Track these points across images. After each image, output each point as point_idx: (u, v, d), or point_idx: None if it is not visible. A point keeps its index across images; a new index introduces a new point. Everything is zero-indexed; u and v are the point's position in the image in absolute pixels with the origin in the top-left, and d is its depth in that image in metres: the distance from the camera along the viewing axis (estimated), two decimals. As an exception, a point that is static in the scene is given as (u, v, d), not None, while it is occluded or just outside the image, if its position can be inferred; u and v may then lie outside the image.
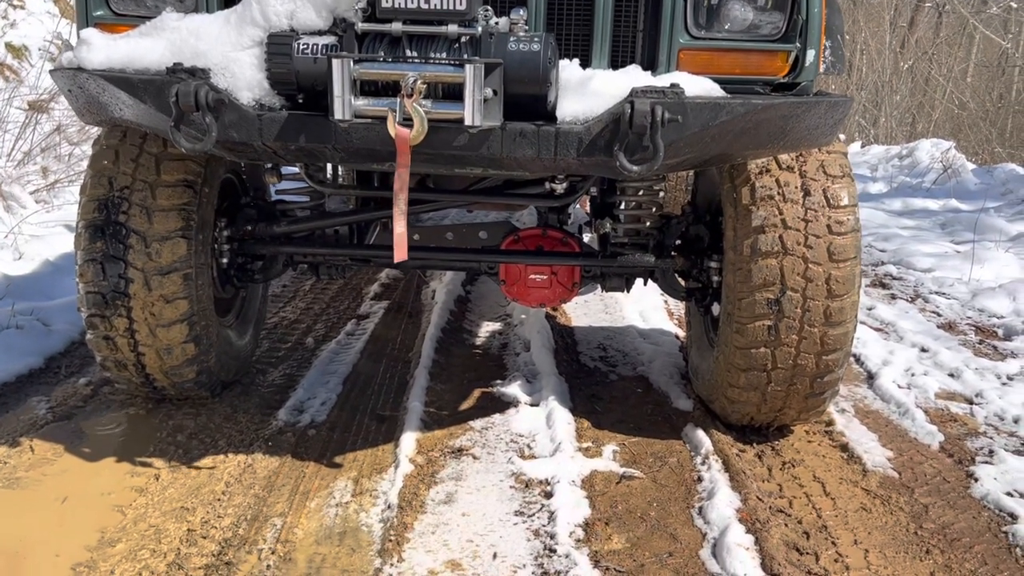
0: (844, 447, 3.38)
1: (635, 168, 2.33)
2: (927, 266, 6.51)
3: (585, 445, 3.31)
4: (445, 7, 2.30)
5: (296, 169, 3.38)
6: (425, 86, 2.28)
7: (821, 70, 2.75)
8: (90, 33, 2.59)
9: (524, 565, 2.55)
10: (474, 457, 3.20)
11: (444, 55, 2.33)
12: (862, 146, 15.60)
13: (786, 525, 2.80)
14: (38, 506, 2.78)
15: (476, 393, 3.79)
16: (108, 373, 3.38)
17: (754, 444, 3.35)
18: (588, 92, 2.40)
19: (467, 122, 2.28)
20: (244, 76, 2.41)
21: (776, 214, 2.97)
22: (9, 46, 9.10)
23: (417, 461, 3.11)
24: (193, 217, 3.17)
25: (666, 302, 5.24)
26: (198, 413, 3.46)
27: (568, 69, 2.46)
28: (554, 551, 2.60)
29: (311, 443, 3.26)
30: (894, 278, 6.33)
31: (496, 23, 2.35)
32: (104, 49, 2.53)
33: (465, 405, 3.67)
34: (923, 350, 4.59)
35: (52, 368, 3.96)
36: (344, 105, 2.29)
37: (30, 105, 7.74)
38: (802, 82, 2.72)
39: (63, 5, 10.45)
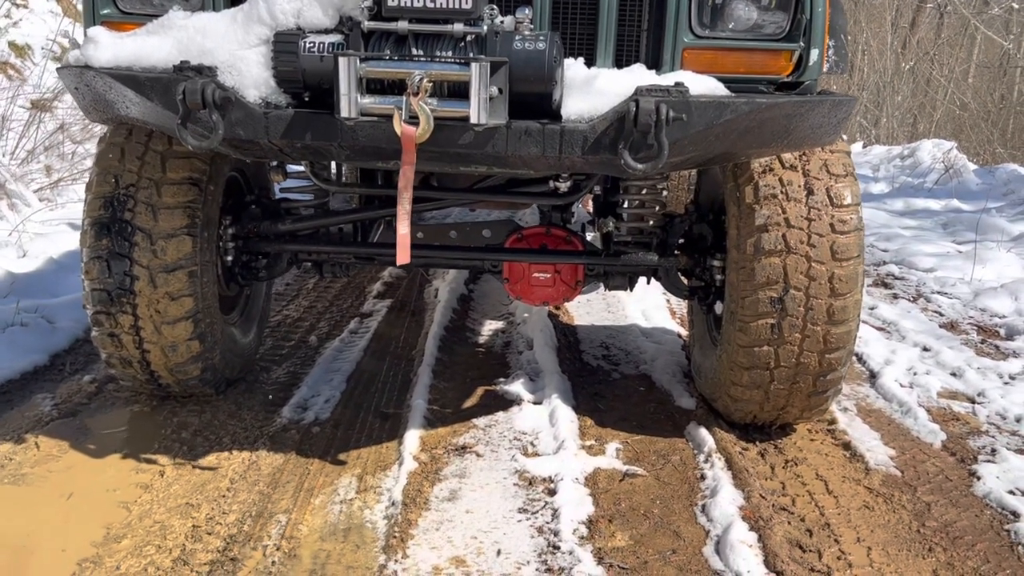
0: (847, 445, 3.38)
1: (640, 166, 2.34)
2: (929, 266, 6.51)
3: (588, 443, 3.32)
4: (451, 6, 2.31)
5: (300, 167, 3.39)
6: (431, 84, 2.29)
7: (824, 69, 2.75)
8: (97, 31, 2.60)
9: (528, 562, 2.56)
10: (478, 455, 3.21)
11: (450, 53, 2.34)
12: (864, 146, 15.61)
13: (789, 523, 2.81)
14: (44, 502, 2.79)
15: (479, 391, 3.80)
16: (113, 370, 3.38)
17: (757, 442, 3.36)
18: (593, 91, 2.41)
19: (473, 120, 2.29)
20: (251, 74, 2.42)
21: (779, 213, 2.97)
22: (12, 45, 9.11)
23: (421, 458, 3.12)
24: (198, 215, 3.18)
25: (668, 301, 5.24)
26: (202, 410, 3.47)
27: (573, 68, 2.47)
28: (558, 548, 2.61)
29: (315, 440, 3.27)
30: (896, 278, 6.33)
31: (501, 22, 2.36)
32: (111, 47, 2.54)
33: (468, 403, 3.68)
34: (925, 349, 4.60)
35: (57, 365, 3.97)
36: (350, 103, 2.31)
37: (33, 104, 7.76)
38: (806, 81, 2.73)
39: (66, 4, 10.46)
